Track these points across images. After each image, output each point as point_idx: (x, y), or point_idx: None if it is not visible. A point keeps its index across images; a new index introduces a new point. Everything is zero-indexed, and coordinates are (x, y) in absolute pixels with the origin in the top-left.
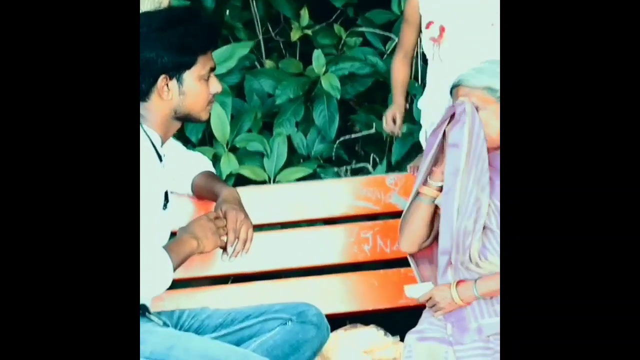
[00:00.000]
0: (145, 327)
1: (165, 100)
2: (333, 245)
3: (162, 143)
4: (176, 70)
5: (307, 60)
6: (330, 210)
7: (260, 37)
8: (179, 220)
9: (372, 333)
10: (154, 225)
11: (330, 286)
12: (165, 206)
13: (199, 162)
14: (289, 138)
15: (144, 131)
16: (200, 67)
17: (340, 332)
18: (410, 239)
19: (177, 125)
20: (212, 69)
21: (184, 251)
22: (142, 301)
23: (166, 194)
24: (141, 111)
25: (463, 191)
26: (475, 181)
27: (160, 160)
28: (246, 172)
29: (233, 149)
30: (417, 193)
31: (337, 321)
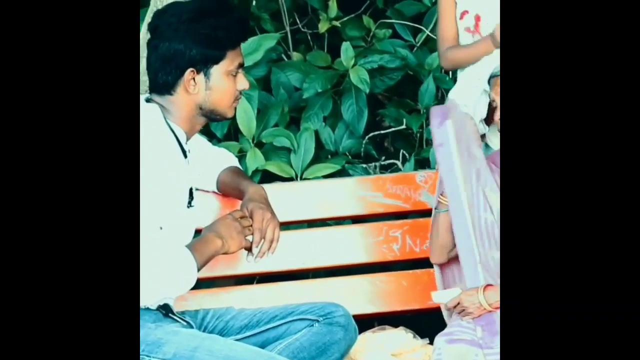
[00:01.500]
0: (168, 327)
1: (192, 94)
2: (361, 244)
3: (187, 139)
4: (204, 64)
5: (335, 52)
6: (359, 208)
7: (287, 28)
8: (204, 218)
9: (401, 335)
10: (178, 223)
11: (358, 286)
12: (190, 204)
13: (225, 158)
14: (316, 133)
15: (168, 126)
16: (228, 62)
17: (369, 335)
18: (437, 250)
19: (203, 121)
20: (241, 65)
21: (209, 251)
22: (165, 301)
23: (191, 191)
24: (166, 105)
25: (468, 188)
26: (477, 179)
27: (185, 156)
28: (272, 168)
29: (259, 144)
30: (438, 203)
31: (366, 322)
